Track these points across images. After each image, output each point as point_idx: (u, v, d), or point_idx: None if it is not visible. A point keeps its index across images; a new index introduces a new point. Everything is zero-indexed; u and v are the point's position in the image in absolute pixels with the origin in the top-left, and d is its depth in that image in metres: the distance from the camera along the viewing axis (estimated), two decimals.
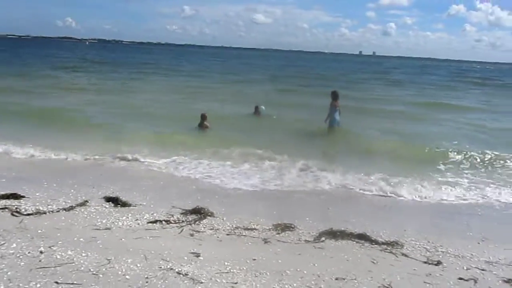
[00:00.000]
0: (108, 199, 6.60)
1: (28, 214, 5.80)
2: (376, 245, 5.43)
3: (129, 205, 6.45)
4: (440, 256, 5.25)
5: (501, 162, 10.42)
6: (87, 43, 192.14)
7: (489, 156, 10.79)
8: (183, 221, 5.86)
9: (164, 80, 29.67)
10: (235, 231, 5.68)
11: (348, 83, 33.83)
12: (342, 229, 5.81)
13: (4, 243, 4.64)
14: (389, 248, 5.35)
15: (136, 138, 11.21)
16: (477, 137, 13.90)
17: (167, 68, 41.99)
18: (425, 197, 7.84)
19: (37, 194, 6.74)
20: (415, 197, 7.87)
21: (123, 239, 5.12)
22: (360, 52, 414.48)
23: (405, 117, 17.90)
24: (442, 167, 9.99)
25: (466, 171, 9.81)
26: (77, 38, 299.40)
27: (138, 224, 5.72)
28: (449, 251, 5.45)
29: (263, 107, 15.42)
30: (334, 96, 13.04)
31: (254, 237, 5.48)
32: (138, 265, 4.33)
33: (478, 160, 10.63)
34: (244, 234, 5.58)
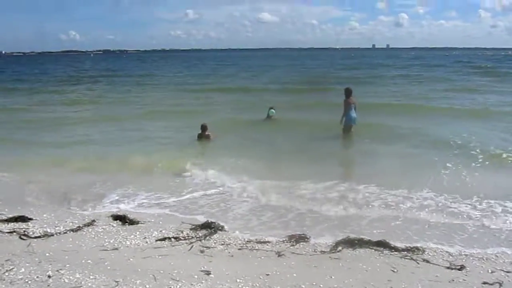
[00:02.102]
0: (116, 217, 6.47)
1: (36, 237, 5.74)
2: (395, 252, 5.21)
3: (137, 223, 6.31)
4: (464, 260, 5.03)
5: None
6: (91, 55, 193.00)
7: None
8: (192, 237, 5.69)
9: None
10: (247, 245, 5.49)
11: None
12: (360, 236, 5.61)
13: (13, 268, 4.57)
14: (409, 255, 5.12)
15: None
16: None
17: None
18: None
19: (44, 215, 6.65)
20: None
21: (131, 259, 4.98)
22: (373, 45, 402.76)
23: None
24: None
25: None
26: (81, 51, 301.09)
27: (147, 242, 5.57)
28: (472, 254, 5.23)
29: (273, 110, 15.08)
30: (347, 93, 12.44)
31: (267, 251, 5.28)
32: (147, 286, 4.20)
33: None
34: (256, 248, 5.39)
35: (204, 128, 12.35)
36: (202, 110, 18.23)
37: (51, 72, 51.47)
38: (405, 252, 5.18)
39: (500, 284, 4.41)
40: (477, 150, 10.24)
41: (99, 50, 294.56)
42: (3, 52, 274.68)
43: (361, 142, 11.96)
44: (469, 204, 7.04)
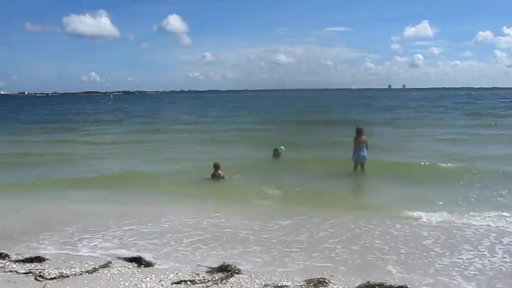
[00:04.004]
0: (131, 259, 6.39)
1: (51, 278, 5.71)
2: None
3: (153, 265, 6.22)
4: None
5: None
6: (111, 96, 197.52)
7: None
8: (209, 281, 5.56)
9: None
10: None
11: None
12: (380, 281, 5.42)
13: None
14: None
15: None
16: None
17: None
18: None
19: (62, 257, 6.61)
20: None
21: None
22: (390, 86, 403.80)
23: None
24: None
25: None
26: (101, 92, 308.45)
27: (162, 285, 5.46)
28: None
29: (283, 147, 15.29)
30: (358, 132, 13.07)
31: None
32: None
33: None
34: None
35: (216, 167, 12.29)
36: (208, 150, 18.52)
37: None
38: None
39: None
40: None
41: (119, 91, 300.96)
42: (26, 92, 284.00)
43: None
44: None
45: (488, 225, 7.96)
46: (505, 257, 6.49)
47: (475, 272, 5.97)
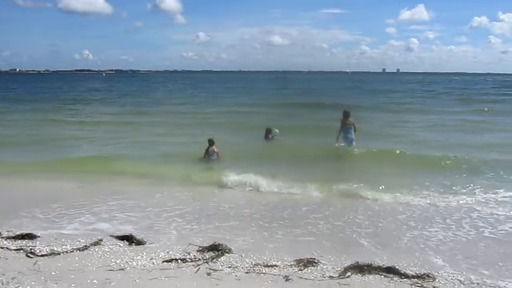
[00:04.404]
0: (122, 237, 6.42)
1: (43, 255, 5.74)
2: (405, 279, 5.08)
3: (144, 243, 6.26)
4: None
5: None
6: (103, 74, 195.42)
7: None
8: (199, 259, 5.61)
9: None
10: (254, 268, 5.38)
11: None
12: (369, 262, 5.47)
13: (18, 286, 4.64)
14: (420, 282, 5.00)
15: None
16: None
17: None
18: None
19: (53, 235, 6.62)
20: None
21: (137, 280, 4.95)
22: (384, 69, 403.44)
23: None
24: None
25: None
26: (94, 70, 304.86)
27: (153, 263, 5.50)
28: (485, 282, 5.10)
29: (277, 130, 15.14)
30: (345, 114, 13.18)
31: (274, 275, 5.18)
32: None
33: None
34: (264, 271, 5.28)
35: (211, 142, 12.01)
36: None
37: None
38: (416, 279, 5.07)
39: None
40: None
41: (112, 70, 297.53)
42: (17, 69, 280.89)
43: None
44: None
45: (460, 205, 8.32)
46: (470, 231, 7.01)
47: (440, 244, 6.45)
